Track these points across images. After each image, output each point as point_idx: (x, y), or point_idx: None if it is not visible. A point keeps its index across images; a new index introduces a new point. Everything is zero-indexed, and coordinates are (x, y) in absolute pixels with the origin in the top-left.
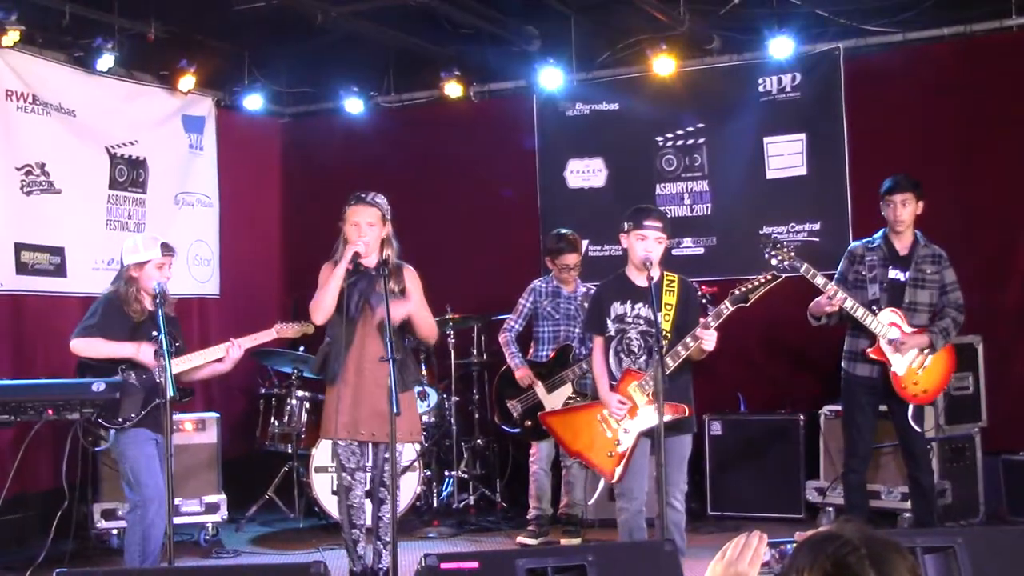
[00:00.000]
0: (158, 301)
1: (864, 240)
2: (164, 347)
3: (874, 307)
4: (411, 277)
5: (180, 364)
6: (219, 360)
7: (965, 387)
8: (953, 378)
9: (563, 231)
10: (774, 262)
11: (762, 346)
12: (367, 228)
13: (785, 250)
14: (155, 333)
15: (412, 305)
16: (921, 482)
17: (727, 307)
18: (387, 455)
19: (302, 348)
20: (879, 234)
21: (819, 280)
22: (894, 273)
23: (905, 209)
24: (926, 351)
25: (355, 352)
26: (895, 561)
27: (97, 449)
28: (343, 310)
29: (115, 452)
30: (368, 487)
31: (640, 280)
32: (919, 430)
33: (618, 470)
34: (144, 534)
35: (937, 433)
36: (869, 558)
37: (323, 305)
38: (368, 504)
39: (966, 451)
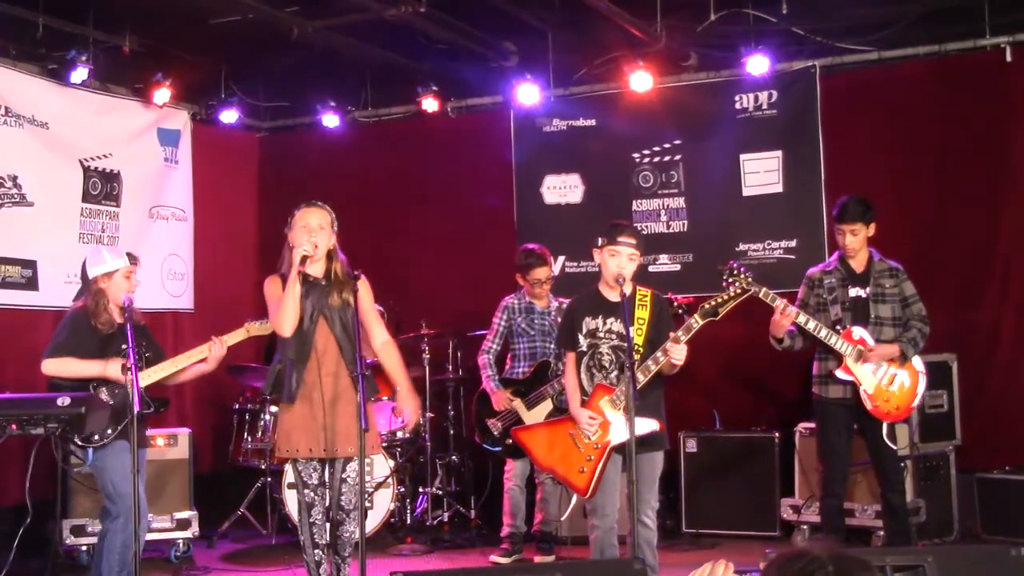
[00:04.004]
0: (126, 314)
1: (820, 265)
2: (132, 360)
3: (838, 327)
4: (363, 286)
5: (158, 372)
6: (203, 360)
7: (939, 405)
8: (928, 396)
9: (531, 246)
10: (732, 290)
11: (737, 363)
12: (318, 231)
13: (742, 275)
14: (124, 346)
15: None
16: (893, 502)
17: (697, 321)
18: (343, 475)
19: None
20: (834, 257)
21: (778, 303)
22: (854, 291)
23: (855, 238)
24: (895, 362)
25: (312, 367)
26: None
27: (77, 470)
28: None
29: (93, 468)
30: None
31: (612, 295)
32: (893, 448)
33: (590, 486)
34: (125, 543)
35: (912, 451)
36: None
37: (288, 315)
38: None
39: (940, 469)
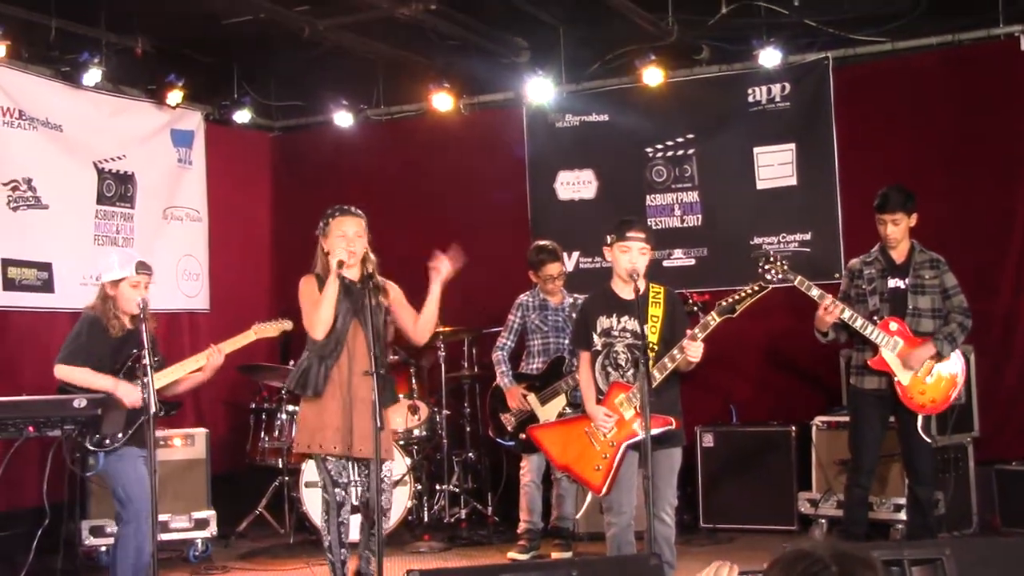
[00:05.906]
0: (140, 316)
1: (862, 256)
2: (148, 361)
3: (875, 318)
4: (394, 290)
5: (160, 379)
6: (199, 370)
7: (957, 397)
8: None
9: (542, 243)
10: (768, 276)
11: (754, 357)
12: (355, 240)
13: (779, 263)
14: (135, 351)
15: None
16: (920, 496)
17: (714, 318)
18: (382, 476)
19: (292, 363)
20: (876, 247)
21: (814, 292)
22: (894, 282)
23: (897, 228)
24: (932, 359)
25: (342, 368)
26: None
27: (88, 474)
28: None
29: (104, 472)
30: (356, 503)
31: (625, 293)
32: (928, 441)
33: (606, 484)
34: (138, 548)
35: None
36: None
37: (323, 318)
38: (356, 519)
39: (959, 461)
